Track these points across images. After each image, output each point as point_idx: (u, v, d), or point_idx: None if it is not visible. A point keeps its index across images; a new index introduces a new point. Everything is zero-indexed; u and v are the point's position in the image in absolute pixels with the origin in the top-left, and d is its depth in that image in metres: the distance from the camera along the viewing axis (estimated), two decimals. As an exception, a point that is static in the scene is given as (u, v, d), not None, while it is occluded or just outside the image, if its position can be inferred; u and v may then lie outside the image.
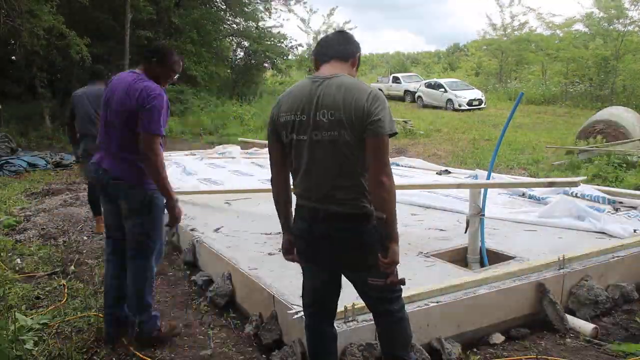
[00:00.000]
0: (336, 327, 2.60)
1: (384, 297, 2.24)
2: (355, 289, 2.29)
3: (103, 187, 3.02)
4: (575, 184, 4.35)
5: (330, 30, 22.14)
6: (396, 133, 2.07)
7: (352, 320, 2.73)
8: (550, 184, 4.32)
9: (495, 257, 3.90)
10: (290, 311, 2.86)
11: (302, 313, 2.50)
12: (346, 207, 2.09)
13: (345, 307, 2.74)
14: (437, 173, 7.47)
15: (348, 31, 2.40)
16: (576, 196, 5.56)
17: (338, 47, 2.21)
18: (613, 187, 7.14)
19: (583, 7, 28.90)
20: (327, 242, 2.15)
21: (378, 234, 2.06)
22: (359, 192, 2.08)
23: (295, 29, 27.45)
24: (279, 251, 3.97)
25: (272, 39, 22.91)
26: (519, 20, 27.96)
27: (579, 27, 24.89)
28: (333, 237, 2.13)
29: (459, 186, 4.08)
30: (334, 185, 2.09)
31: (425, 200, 5.59)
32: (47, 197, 7.26)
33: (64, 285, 3.96)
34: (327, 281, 2.32)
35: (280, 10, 23.44)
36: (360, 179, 2.07)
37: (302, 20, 22.03)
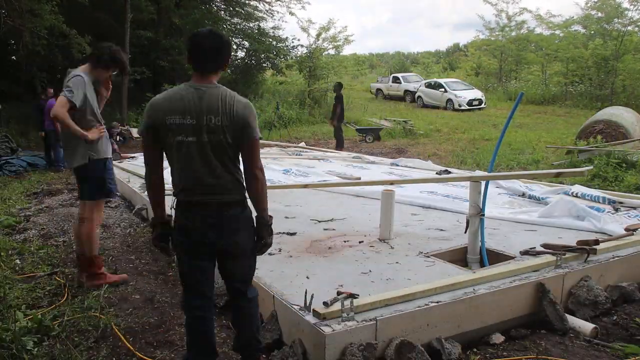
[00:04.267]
0: (334, 327, 2.61)
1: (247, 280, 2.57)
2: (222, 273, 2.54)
3: None
4: (582, 174, 4.37)
5: (331, 31, 22.04)
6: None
7: (351, 320, 2.73)
8: (558, 174, 4.33)
9: (495, 257, 3.90)
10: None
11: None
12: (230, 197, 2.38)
13: (342, 304, 2.74)
14: (437, 173, 7.47)
15: (218, 33, 2.44)
16: (576, 196, 5.57)
17: (213, 63, 2.38)
18: (613, 187, 7.16)
19: (579, 7, 28.62)
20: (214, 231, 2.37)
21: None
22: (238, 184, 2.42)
23: (296, 27, 27.43)
24: (279, 251, 4.00)
25: (273, 40, 22.88)
26: (515, 20, 27.95)
27: (579, 27, 24.92)
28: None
29: (469, 179, 4.10)
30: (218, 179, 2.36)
31: (425, 201, 5.59)
32: (47, 197, 7.26)
33: (64, 285, 3.96)
34: (207, 268, 2.49)
35: (281, 13, 23.42)
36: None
37: (303, 29, 22.02)
